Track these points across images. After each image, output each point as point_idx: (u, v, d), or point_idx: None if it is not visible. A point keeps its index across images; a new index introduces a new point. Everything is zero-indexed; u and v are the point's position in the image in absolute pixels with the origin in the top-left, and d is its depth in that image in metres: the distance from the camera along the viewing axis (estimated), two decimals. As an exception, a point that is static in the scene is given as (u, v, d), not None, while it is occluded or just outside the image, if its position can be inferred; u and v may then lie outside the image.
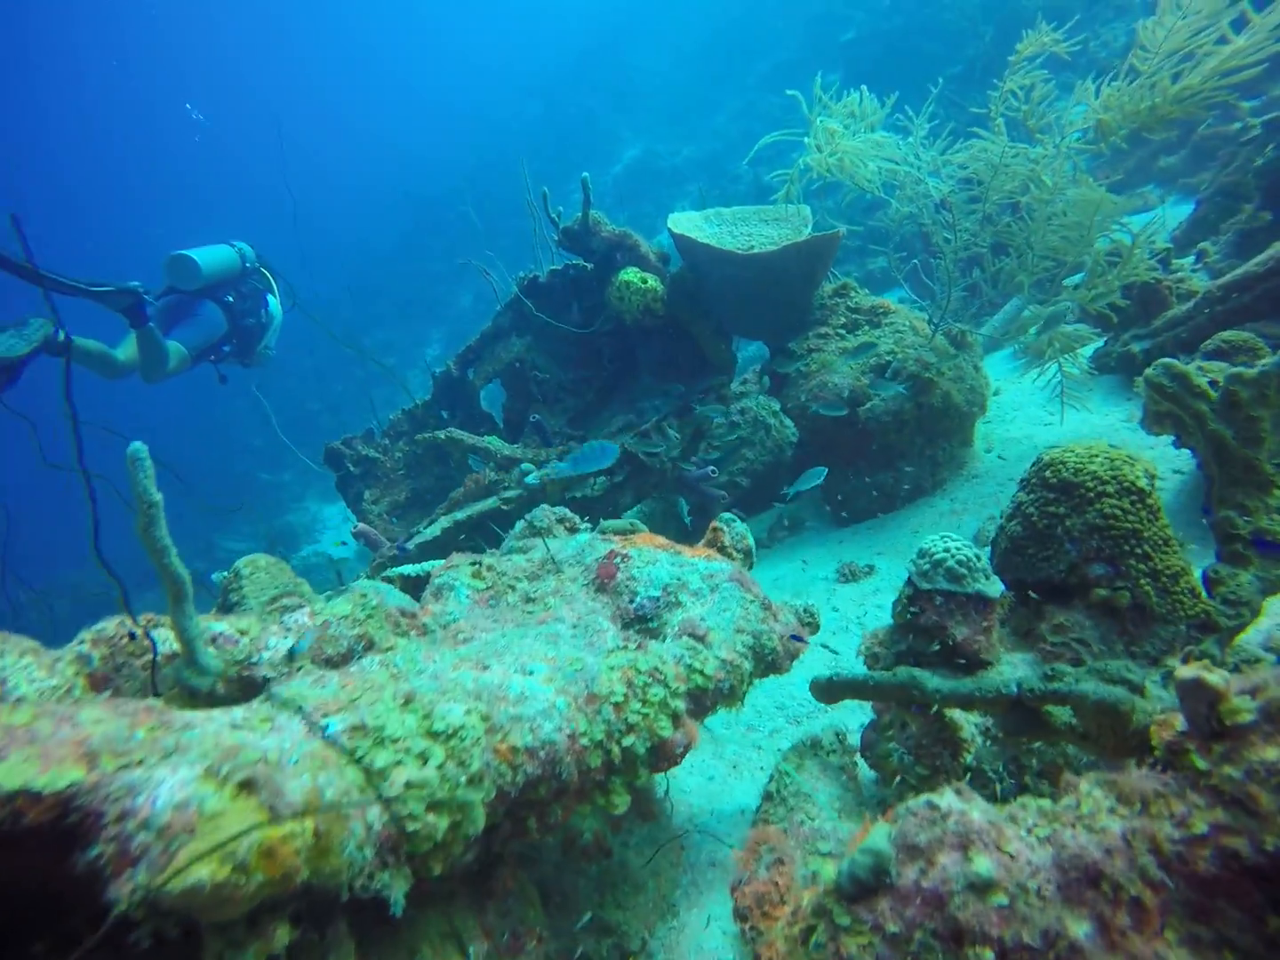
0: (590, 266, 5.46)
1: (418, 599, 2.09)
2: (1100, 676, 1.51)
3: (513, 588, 2.06)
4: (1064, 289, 4.51)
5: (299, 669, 1.39)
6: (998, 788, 1.83)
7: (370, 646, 1.52)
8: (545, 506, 2.60)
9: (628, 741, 1.38)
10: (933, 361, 4.30)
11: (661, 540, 2.18)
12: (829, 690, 2.08)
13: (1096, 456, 1.99)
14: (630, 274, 4.88)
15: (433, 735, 1.13)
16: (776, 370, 4.87)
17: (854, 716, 2.57)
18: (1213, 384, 3.06)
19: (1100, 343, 5.14)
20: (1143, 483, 1.93)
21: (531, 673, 1.40)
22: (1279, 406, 2.03)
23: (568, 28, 33.10)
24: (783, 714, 2.79)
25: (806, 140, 4.14)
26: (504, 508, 4.74)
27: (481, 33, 40.42)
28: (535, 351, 5.96)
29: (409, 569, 2.40)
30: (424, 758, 1.09)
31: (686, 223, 5.22)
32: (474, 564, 2.06)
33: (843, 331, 4.80)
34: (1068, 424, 4.51)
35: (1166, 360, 2.15)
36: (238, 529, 17.08)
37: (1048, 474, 2.05)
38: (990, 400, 5.07)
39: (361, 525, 4.95)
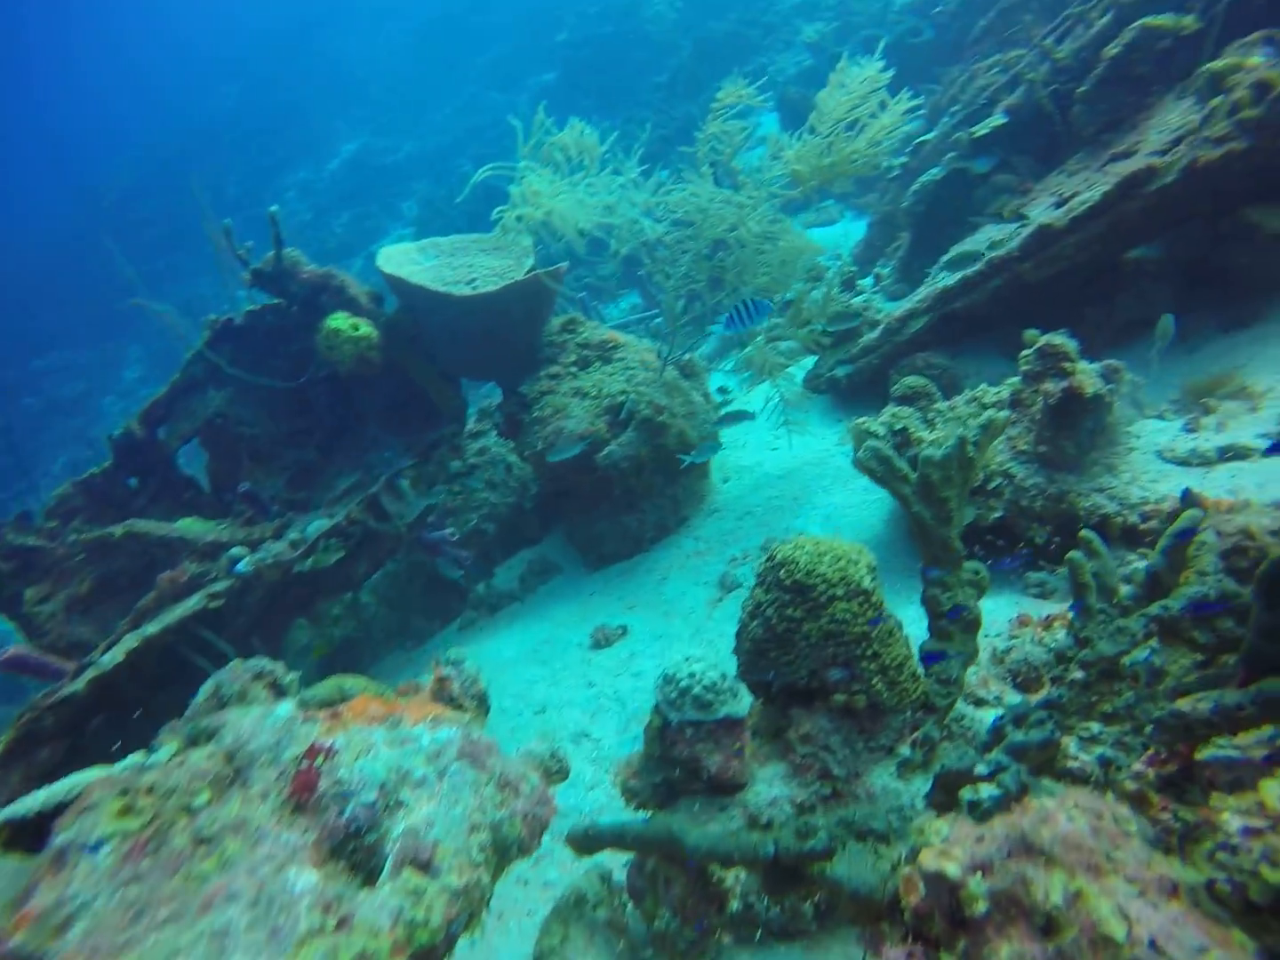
0: (294, 308, 4.81)
1: (39, 850, 1.57)
2: (848, 830, 1.48)
3: (187, 809, 1.61)
4: (776, 320, 4.78)
5: None
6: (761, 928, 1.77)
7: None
8: (237, 663, 2.12)
9: (328, 1082, 1.08)
10: (665, 403, 4.32)
11: (377, 707, 1.84)
12: (586, 843, 1.91)
13: (824, 555, 1.99)
14: (339, 320, 4.34)
15: None
16: (509, 416, 4.63)
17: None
18: (901, 433, 3.35)
19: (812, 362, 5.56)
20: (866, 582, 1.96)
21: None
22: (961, 485, 2.19)
23: (266, 5, 30.14)
24: (546, 830, 2.59)
25: (512, 189, 3.92)
26: (212, 606, 4.01)
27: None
28: (240, 404, 5.15)
29: (21, 806, 1.59)
30: None
31: (400, 258, 4.77)
32: (123, 793, 1.58)
33: (574, 370, 4.67)
34: (792, 449, 4.80)
35: (874, 444, 2.24)
36: None
37: (782, 574, 2.02)
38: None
39: (12, 650, 3.90)
